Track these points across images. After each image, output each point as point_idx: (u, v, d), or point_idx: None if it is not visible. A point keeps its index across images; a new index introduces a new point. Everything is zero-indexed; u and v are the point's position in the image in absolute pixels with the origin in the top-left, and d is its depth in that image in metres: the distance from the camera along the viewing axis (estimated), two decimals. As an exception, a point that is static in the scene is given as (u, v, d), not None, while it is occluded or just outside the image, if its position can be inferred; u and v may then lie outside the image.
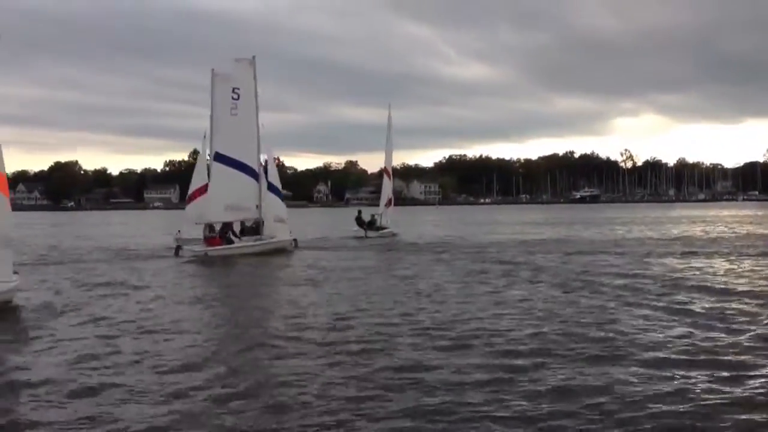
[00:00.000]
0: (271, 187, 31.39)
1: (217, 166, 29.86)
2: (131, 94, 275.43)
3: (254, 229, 31.57)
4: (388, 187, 44.56)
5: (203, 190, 31.22)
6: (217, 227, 29.40)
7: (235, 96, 30.05)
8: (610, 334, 11.18)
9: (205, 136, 32.12)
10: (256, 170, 30.72)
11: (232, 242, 29.51)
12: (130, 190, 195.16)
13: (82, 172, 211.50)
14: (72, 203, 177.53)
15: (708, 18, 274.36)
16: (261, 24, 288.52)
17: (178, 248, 28.97)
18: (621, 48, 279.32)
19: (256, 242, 30.36)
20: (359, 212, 43.42)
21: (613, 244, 32.12)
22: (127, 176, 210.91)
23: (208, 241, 28.41)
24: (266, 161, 32.04)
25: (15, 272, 14.96)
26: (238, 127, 29.85)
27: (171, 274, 22.50)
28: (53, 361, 9.89)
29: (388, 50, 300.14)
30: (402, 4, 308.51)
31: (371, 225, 41.73)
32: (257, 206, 30.53)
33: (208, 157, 31.74)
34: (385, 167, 45.56)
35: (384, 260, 26.13)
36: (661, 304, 14.18)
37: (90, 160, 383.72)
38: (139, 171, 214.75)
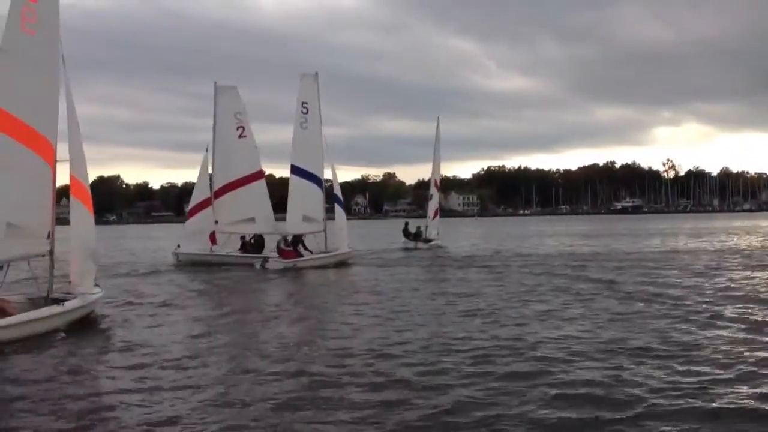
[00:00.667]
0: (336, 200, 32.18)
1: (294, 179, 31.01)
2: (174, 111, 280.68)
3: (256, 244, 31.01)
4: (435, 198, 45.25)
5: (205, 204, 31.20)
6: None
7: (304, 110, 31.33)
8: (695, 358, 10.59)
9: (207, 150, 31.99)
10: (323, 182, 31.76)
11: (301, 254, 29.59)
12: (171, 203, 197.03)
13: (124, 186, 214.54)
14: (114, 217, 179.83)
15: (752, 27, 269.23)
16: (302, 39, 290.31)
17: (264, 260, 28.92)
18: (664, 58, 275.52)
19: (328, 255, 30.45)
20: (406, 224, 43.96)
21: (663, 256, 31.49)
22: (168, 190, 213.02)
23: (284, 253, 28.64)
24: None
25: (96, 284, 15.46)
26: (308, 140, 31.21)
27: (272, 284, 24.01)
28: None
29: (430, 64, 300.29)
30: (446, 18, 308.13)
31: (418, 236, 42.17)
32: (323, 218, 31.35)
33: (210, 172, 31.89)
34: (433, 179, 45.95)
35: (437, 275, 25.59)
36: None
37: (132, 175, 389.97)
38: (179, 184, 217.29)
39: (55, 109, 14.54)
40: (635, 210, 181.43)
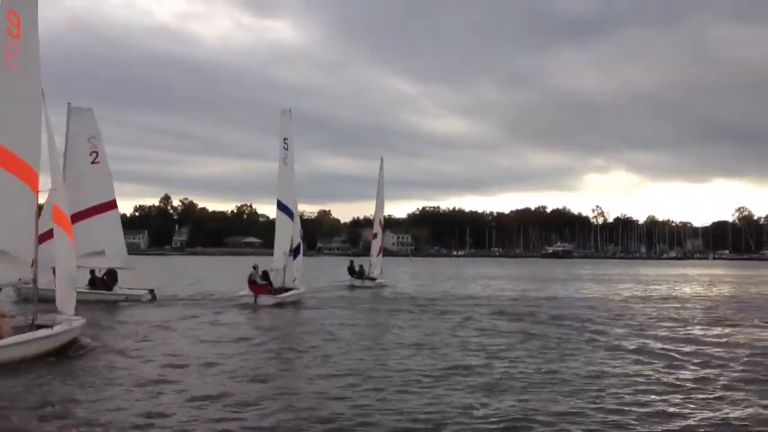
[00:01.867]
0: (300, 236, 32.47)
1: (280, 215, 31.35)
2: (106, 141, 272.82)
3: (108, 280, 29.08)
4: (379, 237, 45.78)
5: (50, 234, 29.32)
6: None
7: (285, 146, 31.61)
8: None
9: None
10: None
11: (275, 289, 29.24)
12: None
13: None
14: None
15: (682, 82, 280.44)
16: (234, 74, 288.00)
17: (256, 297, 27.84)
18: (598, 107, 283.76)
19: (298, 292, 30.39)
20: (351, 262, 44.83)
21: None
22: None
23: (259, 288, 28.12)
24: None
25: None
26: (289, 175, 31.76)
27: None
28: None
29: (370, 102, 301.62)
30: (387, 58, 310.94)
31: (362, 274, 42.73)
32: (283, 253, 31.04)
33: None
34: (377, 218, 46.31)
35: (390, 318, 24.33)
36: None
37: None
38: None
39: (38, 140, 15.15)
40: (565, 254, 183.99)
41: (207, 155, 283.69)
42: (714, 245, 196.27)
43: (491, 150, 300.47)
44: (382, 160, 46.38)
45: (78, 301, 24.64)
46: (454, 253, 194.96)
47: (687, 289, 43.19)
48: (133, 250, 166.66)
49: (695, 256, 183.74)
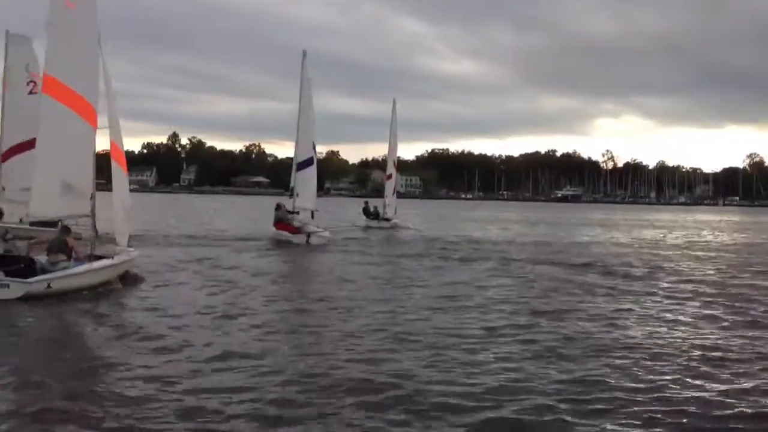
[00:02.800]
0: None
1: (305, 172, 31.97)
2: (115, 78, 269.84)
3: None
4: (394, 178, 45.82)
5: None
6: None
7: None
8: None
9: None
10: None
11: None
12: (105, 172, 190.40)
13: None
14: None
15: (695, 27, 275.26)
16: (248, 11, 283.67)
17: (308, 236, 28.72)
18: (609, 50, 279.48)
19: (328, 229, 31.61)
20: (366, 203, 44.50)
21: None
22: (102, 158, 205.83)
23: (288, 227, 29.35)
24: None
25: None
26: (310, 118, 31.96)
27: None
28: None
29: (379, 43, 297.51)
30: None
31: (377, 216, 42.46)
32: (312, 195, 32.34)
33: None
34: (391, 159, 46.40)
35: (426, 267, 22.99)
36: None
37: None
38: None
39: (97, 78, 15.38)
40: (575, 199, 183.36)
41: (216, 94, 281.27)
42: (724, 192, 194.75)
43: (502, 93, 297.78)
44: (394, 101, 45.43)
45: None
46: (462, 196, 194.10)
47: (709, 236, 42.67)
48: (141, 187, 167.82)
49: (705, 202, 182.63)
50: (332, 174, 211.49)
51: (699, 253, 28.60)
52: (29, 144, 27.15)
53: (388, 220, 41.92)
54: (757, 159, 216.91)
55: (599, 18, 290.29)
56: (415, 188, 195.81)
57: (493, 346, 10.40)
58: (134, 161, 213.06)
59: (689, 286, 17.63)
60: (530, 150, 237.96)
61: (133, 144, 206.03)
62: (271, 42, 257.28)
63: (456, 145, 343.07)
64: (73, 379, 8.21)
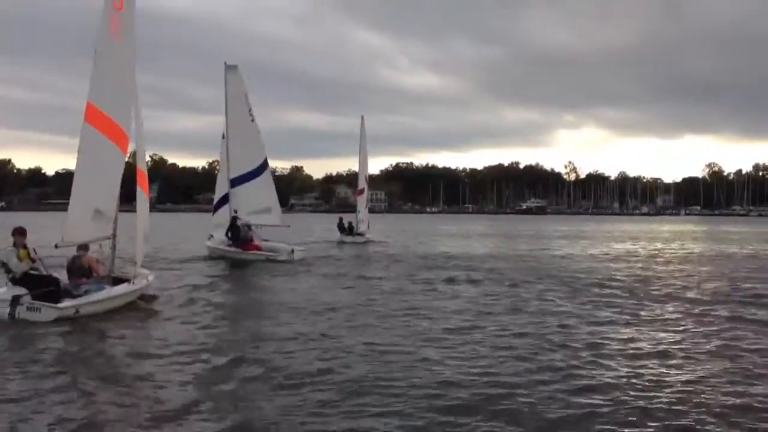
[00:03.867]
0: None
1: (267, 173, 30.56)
2: (72, 94, 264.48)
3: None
4: (366, 193, 44.68)
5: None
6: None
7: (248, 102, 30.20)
8: None
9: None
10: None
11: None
12: (66, 190, 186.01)
13: (15, 171, 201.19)
14: (2, 203, 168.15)
15: (652, 38, 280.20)
16: (212, 26, 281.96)
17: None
18: (570, 63, 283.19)
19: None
20: (341, 219, 44.25)
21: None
22: (64, 176, 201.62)
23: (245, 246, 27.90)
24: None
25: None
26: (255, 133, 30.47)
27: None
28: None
29: (341, 57, 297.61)
30: (359, 12, 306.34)
31: (351, 231, 42.55)
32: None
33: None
34: (362, 174, 45.13)
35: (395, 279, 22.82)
36: None
37: (25, 160, 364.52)
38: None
39: (130, 108, 15.85)
40: (539, 210, 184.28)
41: (177, 110, 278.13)
42: (685, 201, 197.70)
43: (464, 106, 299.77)
44: (362, 118, 44.90)
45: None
46: (428, 209, 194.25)
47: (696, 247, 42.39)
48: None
49: (667, 212, 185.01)
50: (297, 190, 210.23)
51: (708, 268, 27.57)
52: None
53: (361, 234, 42.04)
54: (716, 168, 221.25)
55: (559, 31, 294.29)
56: (380, 202, 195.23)
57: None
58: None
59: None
60: (493, 162, 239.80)
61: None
62: (233, 57, 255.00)
63: (420, 159, 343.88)
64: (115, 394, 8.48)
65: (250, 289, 19.75)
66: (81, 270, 14.79)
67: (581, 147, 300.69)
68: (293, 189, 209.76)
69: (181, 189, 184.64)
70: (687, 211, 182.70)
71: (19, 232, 13.83)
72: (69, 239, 14.94)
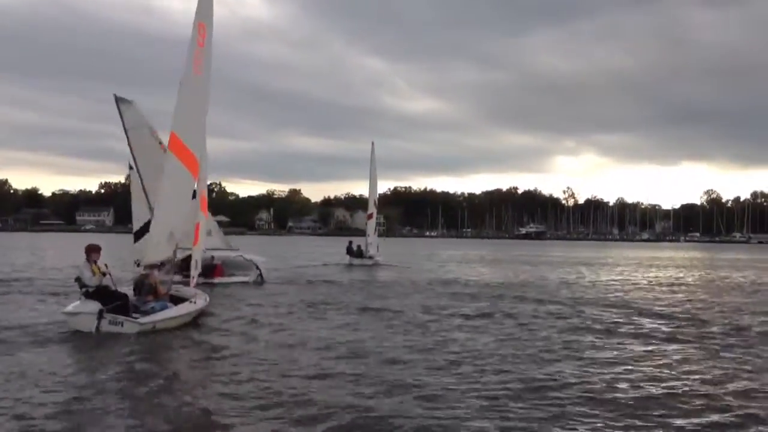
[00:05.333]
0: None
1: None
2: (69, 114, 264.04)
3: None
4: (374, 217, 45.52)
5: None
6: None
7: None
8: None
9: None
10: None
11: None
12: (63, 211, 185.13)
13: (11, 191, 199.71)
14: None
15: (651, 65, 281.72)
16: (215, 49, 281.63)
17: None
18: (569, 89, 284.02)
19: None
20: (350, 242, 44.54)
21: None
22: (60, 197, 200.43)
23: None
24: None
25: None
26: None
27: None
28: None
29: (341, 82, 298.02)
30: (360, 36, 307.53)
31: (360, 254, 43.08)
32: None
33: None
34: (372, 198, 45.82)
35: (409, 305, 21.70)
36: None
37: (22, 180, 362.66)
38: (73, 192, 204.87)
39: (204, 137, 17.46)
40: (539, 236, 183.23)
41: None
42: (684, 227, 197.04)
43: (463, 131, 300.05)
44: (372, 144, 45.90)
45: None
46: (427, 233, 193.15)
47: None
48: (98, 227, 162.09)
49: (667, 238, 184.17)
50: (294, 212, 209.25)
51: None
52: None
53: (371, 257, 42.49)
54: (714, 195, 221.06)
55: (559, 56, 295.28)
56: (379, 226, 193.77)
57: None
58: (91, 201, 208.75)
59: None
60: (491, 187, 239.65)
61: (91, 184, 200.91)
62: (229, 80, 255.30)
63: (418, 183, 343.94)
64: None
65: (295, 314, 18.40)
66: (149, 288, 15.61)
67: (579, 173, 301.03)
68: (291, 212, 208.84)
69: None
70: (687, 238, 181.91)
71: (93, 249, 14.73)
72: (149, 259, 16.08)
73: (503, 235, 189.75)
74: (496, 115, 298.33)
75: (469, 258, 58.68)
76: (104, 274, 14.58)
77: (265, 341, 13.68)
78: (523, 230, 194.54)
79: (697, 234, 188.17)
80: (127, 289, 15.72)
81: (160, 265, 16.51)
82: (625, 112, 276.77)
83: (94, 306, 13.92)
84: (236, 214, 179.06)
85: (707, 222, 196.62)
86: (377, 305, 19.99)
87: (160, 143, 27.49)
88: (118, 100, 27.37)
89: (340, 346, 13.06)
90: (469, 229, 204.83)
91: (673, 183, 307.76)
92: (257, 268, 27.67)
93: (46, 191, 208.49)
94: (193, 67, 16.04)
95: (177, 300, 16.08)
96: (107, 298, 14.28)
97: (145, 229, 27.96)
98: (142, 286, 15.63)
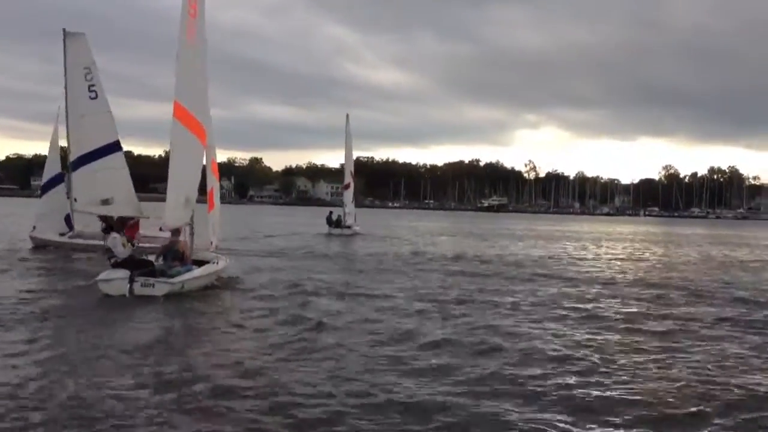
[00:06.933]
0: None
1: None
2: (26, 77, 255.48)
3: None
4: (352, 188, 46.32)
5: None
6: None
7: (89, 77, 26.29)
8: None
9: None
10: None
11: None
12: (17, 176, 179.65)
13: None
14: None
15: (616, 41, 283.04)
16: (170, 14, 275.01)
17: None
18: (533, 63, 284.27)
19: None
20: (330, 213, 44.95)
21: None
22: (14, 161, 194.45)
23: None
24: None
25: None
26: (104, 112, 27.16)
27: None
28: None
29: (307, 50, 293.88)
30: (327, 6, 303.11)
31: (339, 224, 43.73)
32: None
33: None
34: (348, 169, 46.70)
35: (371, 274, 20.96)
36: None
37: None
38: (28, 156, 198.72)
39: (206, 103, 17.89)
40: (501, 208, 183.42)
41: (134, 98, 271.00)
42: (643, 202, 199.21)
43: (426, 102, 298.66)
44: (347, 116, 47.17)
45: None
46: (389, 204, 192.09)
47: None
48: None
49: (627, 212, 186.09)
50: (256, 181, 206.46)
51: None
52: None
53: (349, 227, 43.48)
54: (672, 171, 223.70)
55: (526, 30, 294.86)
56: (340, 196, 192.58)
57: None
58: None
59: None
60: (453, 159, 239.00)
61: (47, 148, 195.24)
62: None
63: (380, 154, 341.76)
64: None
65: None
66: (176, 254, 16.43)
67: (541, 146, 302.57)
68: (252, 180, 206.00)
69: (138, 178, 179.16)
70: (647, 212, 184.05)
71: (122, 222, 16.57)
72: (169, 224, 16.80)
73: (465, 207, 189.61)
74: (458, 87, 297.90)
75: (448, 230, 57.94)
76: (133, 246, 16.05)
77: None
78: (486, 202, 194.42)
79: (656, 209, 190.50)
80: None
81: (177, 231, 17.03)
82: (587, 88, 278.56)
83: (124, 272, 14.90)
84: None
85: (666, 197, 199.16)
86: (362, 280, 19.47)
87: (91, 87, 25.89)
88: (66, 36, 25.87)
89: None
90: (431, 201, 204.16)
91: (632, 158, 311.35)
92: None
93: (0, 155, 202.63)
94: (186, 37, 16.51)
95: (199, 263, 16.84)
96: (134, 266, 15.32)
97: (49, 185, 26.41)
98: (168, 252, 16.53)
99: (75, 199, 25.73)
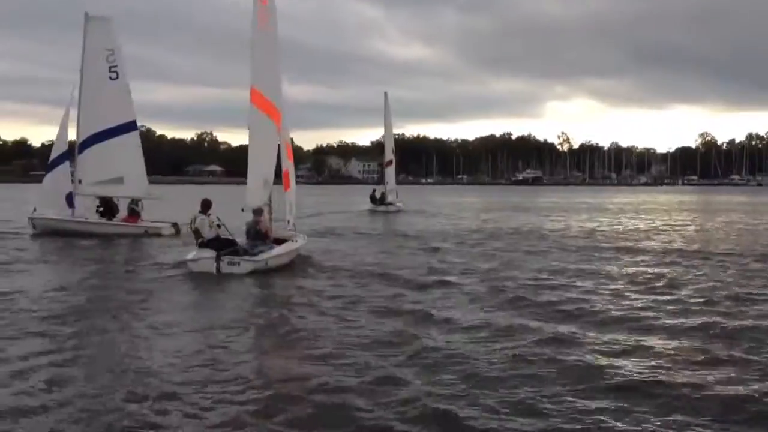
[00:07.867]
0: None
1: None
2: (62, 66, 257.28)
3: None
4: (393, 165, 47.56)
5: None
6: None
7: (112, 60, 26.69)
8: None
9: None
10: None
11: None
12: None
13: (1, 143, 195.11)
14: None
15: (644, 9, 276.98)
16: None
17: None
18: (559, 33, 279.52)
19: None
20: (374, 190, 46.12)
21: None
22: (49, 148, 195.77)
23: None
24: None
25: None
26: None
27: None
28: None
29: (332, 27, 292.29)
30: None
31: (382, 201, 44.45)
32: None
33: None
34: (389, 147, 48.63)
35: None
36: None
37: (11, 132, 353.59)
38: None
39: (280, 88, 18.57)
40: (535, 181, 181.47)
41: (163, 81, 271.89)
42: (681, 170, 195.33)
43: (452, 77, 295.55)
44: (386, 94, 48.71)
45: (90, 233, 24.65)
46: (422, 180, 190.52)
47: None
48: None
49: (665, 182, 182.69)
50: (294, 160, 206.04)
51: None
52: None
53: (392, 204, 44.21)
54: (709, 138, 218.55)
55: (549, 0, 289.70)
56: (372, 174, 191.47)
57: None
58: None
59: None
60: (484, 133, 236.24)
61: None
62: (221, 29, 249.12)
63: (410, 130, 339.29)
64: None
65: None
66: (259, 234, 17.11)
67: (572, 118, 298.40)
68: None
69: (169, 161, 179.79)
70: (685, 181, 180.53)
71: (207, 205, 16.96)
72: (250, 205, 17.38)
73: (500, 181, 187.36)
74: (483, 60, 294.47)
75: (495, 205, 56.65)
76: (219, 227, 16.73)
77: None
78: (520, 176, 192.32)
79: (695, 177, 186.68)
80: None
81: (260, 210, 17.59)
82: (612, 57, 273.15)
83: (211, 252, 15.88)
84: (230, 164, 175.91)
85: (704, 165, 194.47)
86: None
87: (112, 68, 26.23)
88: (88, 19, 26.16)
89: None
90: (464, 176, 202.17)
91: (666, 127, 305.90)
92: None
93: (36, 142, 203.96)
94: (259, 24, 17.47)
95: (279, 241, 17.63)
96: (220, 246, 16.19)
97: (58, 161, 25.95)
98: (253, 231, 17.22)
99: (80, 181, 25.71)
